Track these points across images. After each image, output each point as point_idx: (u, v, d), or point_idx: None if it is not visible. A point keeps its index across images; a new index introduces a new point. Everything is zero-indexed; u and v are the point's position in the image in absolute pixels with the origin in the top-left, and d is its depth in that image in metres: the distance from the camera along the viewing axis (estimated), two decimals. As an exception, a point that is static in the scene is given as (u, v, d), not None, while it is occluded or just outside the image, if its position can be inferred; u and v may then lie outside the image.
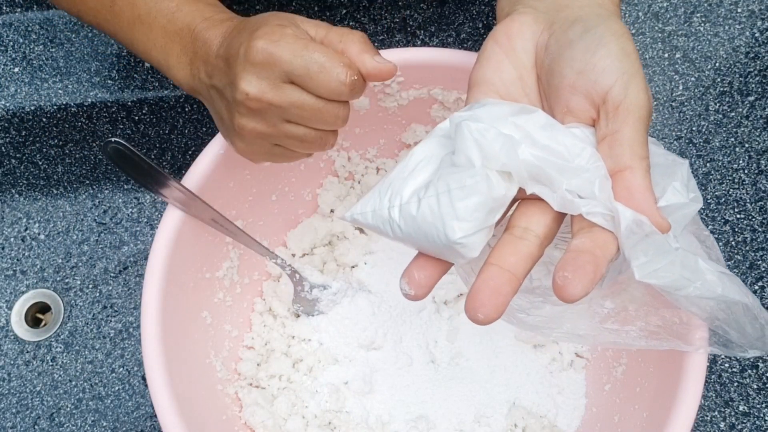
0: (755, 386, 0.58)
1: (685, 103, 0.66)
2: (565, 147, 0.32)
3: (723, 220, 0.62)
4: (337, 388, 0.57)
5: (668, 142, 0.65)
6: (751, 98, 0.65)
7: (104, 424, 0.60)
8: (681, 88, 0.66)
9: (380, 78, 0.41)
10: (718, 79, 0.66)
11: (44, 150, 0.66)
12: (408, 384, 0.57)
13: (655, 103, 0.66)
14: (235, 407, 0.55)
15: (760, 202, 0.63)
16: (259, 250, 0.55)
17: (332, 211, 0.62)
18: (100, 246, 0.64)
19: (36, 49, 0.67)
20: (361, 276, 0.60)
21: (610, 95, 0.33)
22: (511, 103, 0.36)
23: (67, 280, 0.63)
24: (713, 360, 0.59)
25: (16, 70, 0.66)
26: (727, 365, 0.59)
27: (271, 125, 0.42)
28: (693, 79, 0.66)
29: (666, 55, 0.67)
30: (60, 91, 0.65)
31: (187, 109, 0.66)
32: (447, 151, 0.35)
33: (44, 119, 0.65)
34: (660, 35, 0.67)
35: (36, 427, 0.60)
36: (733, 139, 0.64)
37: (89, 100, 0.65)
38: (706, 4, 0.68)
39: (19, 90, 0.65)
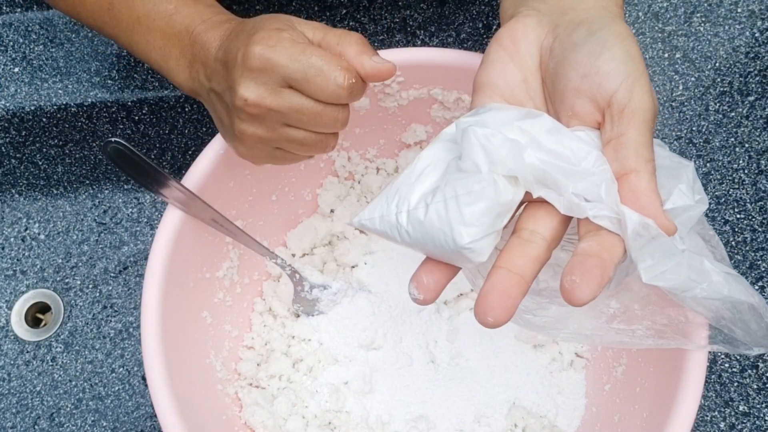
0: (755, 386, 0.58)
1: (685, 103, 0.66)
2: (571, 150, 0.32)
3: (723, 220, 0.62)
4: (337, 388, 0.57)
5: (668, 142, 0.65)
6: (751, 98, 0.65)
7: (104, 424, 0.60)
8: (681, 88, 0.66)
9: (379, 78, 0.41)
10: (718, 79, 0.66)
11: (44, 150, 0.66)
12: (408, 384, 0.57)
13: (655, 103, 0.66)
14: (235, 407, 0.55)
15: (760, 202, 0.63)
16: (259, 250, 0.55)
17: (332, 211, 0.62)
18: (100, 246, 0.64)
19: (36, 49, 0.67)
20: (361, 276, 0.60)
21: (615, 98, 0.33)
22: (517, 107, 0.36)
23: (67, 280, 0.63)
24: (713, 360, 0.59)
25: (16, 70, 0.66)
26: (727, 365, 0.59)
27: (271, 130, 0.42)
28: (693, 79, 0.66)
29: (666, 55, 0.67)
30: (60, 91, 0.65)
31: (187, 109, 0.66)
32: (453, 156, 0.35)
33: (44, 119, 0.65)
34: (660, 35, 0.67)
35: (36, 427, 0.60)
36: (733, 139, 0.64)
37: (89, 100, 0.65)
38: (706, 4, 0.68)
39: (19, 90, 0.65)
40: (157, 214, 0.64)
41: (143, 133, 0.66)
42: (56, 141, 0.66)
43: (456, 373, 0.57)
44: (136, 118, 0.66)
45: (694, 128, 0.65)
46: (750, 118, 0.65)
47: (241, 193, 0.55)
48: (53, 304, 0.63)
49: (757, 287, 0.60)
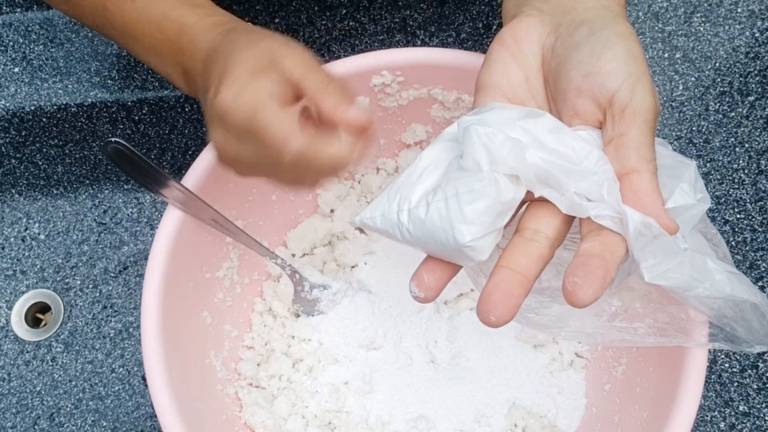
0: (755, 386, 0.58)
1: (685, 103, 0.66)
2: (573, 150, 0.32)
3: (723, 220, 0.62)
4: (337, 388, 0.57)
5: (668, 142, 0.65)
6: (751, 98, 0.65)
7: (104, 424, 0.60)
8: (681, 88, 0.66)
9: (355, 132, 0.38)
10: (718, 79, 0.66)
11: (44, 150, 0.66)
12: (408, 384, 0.57)
13: (655, 103, 0.66)
14: (235, 407, 0.55)
15: (760, 202, 0.63)
16: (259, 250, 0.55)
17: (332, 211, 0.62)
18: (100, 246, 0.64)
19: (36, 49, 0.67)
20: (361, 276, 0.60)
21: (617, 98, 0.33)
22: (519, 106, 0.36)
23: (67, 280, 0.63)
24: (713, 360, 0.59)
25: (16, 70, 0.66)
26: (727, 365, 0.59)
27: (246, 169, 0.40)
28: (693, 79, 0.66)
29: (666, 55, 0.67)
30: (60, 91, 0.65)
31: (187, 109, 0.66)
32: (455, 155, 0.35)
33: (44, 119, 0.65)
34: (660, 35, 0.67)
35: (36, 427, 0.60)
36: (733, 139, 0.64)
37: (89, 100, 0.65)
38: (706, 4, 0.68)
39: (19, 90, 0.65)
40: (157, 214, 0.64)
41: (143, 133, 0.66)
42: (56, 141, 0.66)
43: (456, 373, 0.57)
44: (136, 118, 0.66)
45: (694, 128, 0.65)
46: (750, 118, 0.65)
47: (241, 193, 0.55)
48: (53, 304, 0.63)
49: (757, 287, 0.60)
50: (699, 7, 0.68)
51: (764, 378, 0.58)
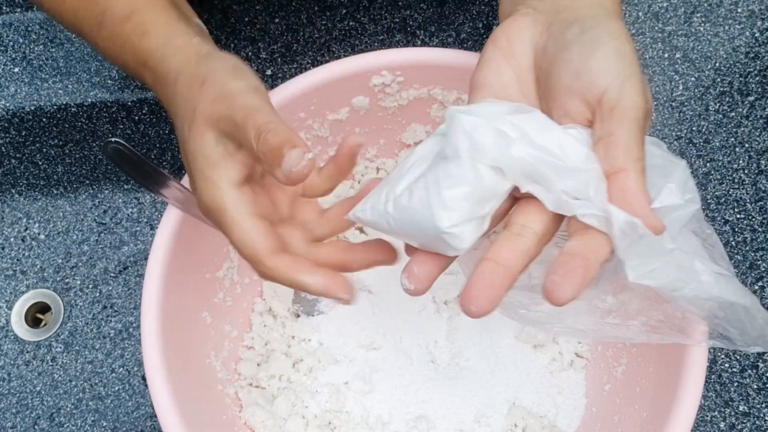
0: (755, 386, 0.58)
1: (685, 103, 0.66)
2: (561, 147, 0.32)
3: (723, 220, 0.62)
4: (337, 388, 0.57)
5: (668, 142, 0.65)
6: (751, 98, 0.65)
7: (104, 424, 0.60)
8: (681, 88, 0.66)
9: (301, 177, 0.36)
10: (718, 79, 0.66)
11: (44, 150, 0.66)
12: (408, 384, 0.57)
13: (655, 103, 0.66)
14: (235, 407, 0.55)
15: (760, 202, 0.63)
16: (259, 250, 0.55)
17: (332, 211, 0.62)
18: (100, 246, 0.64)
19: (36, 49, 0.67)
20: (361, 276, 0.60)
21: (605, 97, 0.33)
22: (510, 102, 0.36)
23: (67, 280, 0.63)
24: (713, 360, 0.59)
25: (16, 70, 0.66)
26: (727, 365, 0.59)
27: None
28: (693, 79, 0.66)
29: (666, 55, 0.67)
30: (60, 91, 0.65)
31: (187, 109, 0.66)
32: (442, 147, 0.35)
33: (44, 119, 0.65)
34: (660, 35, 0.67)
35: (36, 427, 0.60)
36: (733, 139, 0.64)
37: (89, 100, 0.65)
38: (706, 4, 0.68)
39: (19, 90, 0.65)
40: (157, 214, 0.64)
41: (143, 133, 0.66)
42: (56, 141, 0.66)
43: (456, 372, 0.57)
44: (136, 118, 0.66)
45: (694, 128, 0.65)
46: (750, 118, 0.65)
47: (241, 193, 0.55)
48: (53, 304, 0.63)
49: (757, 287, 0.60)
50: (699, 7, 0.68)
51: (764, 378, 0.58)
